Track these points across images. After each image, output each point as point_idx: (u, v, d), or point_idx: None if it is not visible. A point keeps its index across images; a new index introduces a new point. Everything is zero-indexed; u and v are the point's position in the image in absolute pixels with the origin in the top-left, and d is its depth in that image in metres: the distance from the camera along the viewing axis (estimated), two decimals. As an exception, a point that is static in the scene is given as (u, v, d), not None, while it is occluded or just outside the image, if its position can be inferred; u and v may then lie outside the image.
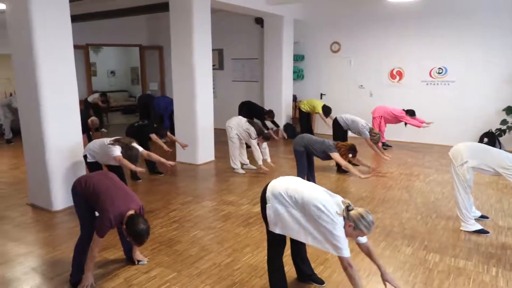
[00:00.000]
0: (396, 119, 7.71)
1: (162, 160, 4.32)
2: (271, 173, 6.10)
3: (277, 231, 2.59)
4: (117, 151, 4.12)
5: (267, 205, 2.58)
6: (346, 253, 2.37)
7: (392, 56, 8.43)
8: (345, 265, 2.38)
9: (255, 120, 6.76)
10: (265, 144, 6.09)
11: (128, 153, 4.11)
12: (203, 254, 3.54)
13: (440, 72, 8.05)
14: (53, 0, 4.29)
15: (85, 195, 2.96)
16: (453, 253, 3.52)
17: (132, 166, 4.15)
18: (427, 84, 8.23)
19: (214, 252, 3.57)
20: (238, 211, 4.60)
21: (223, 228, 4.12)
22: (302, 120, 8.52)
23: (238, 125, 6.16)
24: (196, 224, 4.23)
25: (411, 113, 7.60)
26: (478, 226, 3.94)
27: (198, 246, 3.69)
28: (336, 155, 4.81)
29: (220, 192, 5.29)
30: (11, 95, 9.21)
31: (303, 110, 8.39)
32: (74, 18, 4.60)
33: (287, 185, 2.59)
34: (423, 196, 5.09)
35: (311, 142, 4.96)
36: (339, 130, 6.35)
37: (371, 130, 6.07)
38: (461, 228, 3.99)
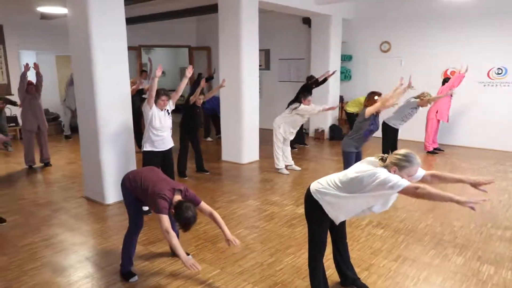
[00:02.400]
0: (448, 101, 7.33)
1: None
2: (316, 174, 6.03)
3: (343, 218, 2.59)
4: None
5: (321, 203, 2.55)
6: (403, 182, 2.22)
7: (445, 56, 8.03)
8: (413, 191, 2.20)
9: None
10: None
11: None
12: (246, 252, 3.57)
13: (499, 72, 7.56)
14: (110, 5, 4.52)
15: (133, 189, 3.07)
16: (510, 266, 3.30)
17: None
18: (485, 85, 7.76)
19: (257, 251, 3.59)
20: (282, 211, 4.59)
21: (267, 228, 4.13)
22: (351, 121, 8.33)
23: (283, 117, 6.09)
24: (240, 222, 4.27)
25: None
26: None
27: (241, 245, 3.72)
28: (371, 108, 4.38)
29: (264, 192, 5.31)
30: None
31: (350, 111, 8.22)
32: (128, 21, 4.82)
33: (326, 178, 2.65)
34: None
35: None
36: (390, 133, 6.04)
37: (418, 97, 5.92)
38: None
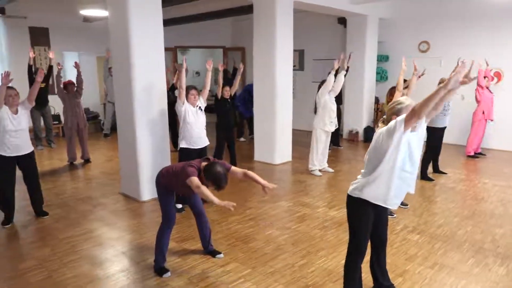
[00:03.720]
0: (491, 100, 7.03)
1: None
2: (349, 176, 5.94)
3: (392, 201, 2.50)
4: None
5: (363, 196, 2.49)
6: (402, 116, 2.32)
7: (488, 56, 7.68)
8: (411, 113, 2.24)
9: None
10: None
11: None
12: (277, 253, 3.56)
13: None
14: (148, 7, 4.65)
15: (167, 182, 3.15)
16: (558, 278, 3.12)
17: None
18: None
19: (289, 253, 3.57)
20: (314, 213, 4.55)
21: (298, 229, 4.11)
22: None
23: (318, 114, 5.99)
24: (271, 223, 4.27)
25: None
26: None
27: (272, 245, 3.72)
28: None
29: (296, 193, 5.28)
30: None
31: None
32: (165, 22, 4.93)
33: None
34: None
35: None
36: (438, 134, 5.75)
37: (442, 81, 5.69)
38: None
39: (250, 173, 3.11)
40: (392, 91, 4.53)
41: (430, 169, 5.97)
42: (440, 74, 8.48)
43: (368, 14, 8.38)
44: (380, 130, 2.45)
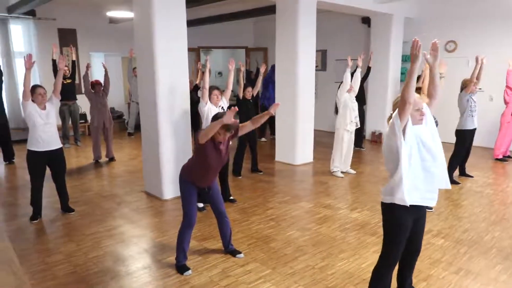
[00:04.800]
0: None
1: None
2: (371, 178, 5.86)
3: (422, 197, 2.46)
4: None
5: (395, 200, 2.41)
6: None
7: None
8: (401, 98, 2.30)
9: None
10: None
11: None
12: (297, 254, 3.55)
13: None
14: (173, 8, 4.71)
15: (188, 173, 3.20)
16: None
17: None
18: None
19: (309, 254, 3.55)
20: (335, 215, 4.51)
21: (319, 231, 4.08)
22: None
23: (340, 114, 5.95)
24: (292, 224, 4.26)
25: None
26: None
27: (293, 246, 3.71)
28: None
29: (317, 194, 5.25)
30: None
31: None
32: (188, 23, 4.99)
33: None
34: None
35: None
36: (468, 136, 5.58)
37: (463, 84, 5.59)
38: None
39: (255, 118, 3.25)
40: (416, 91, 4.42)
41: (456, 172, 5.82)
42: (467, 74, 8.28)
43: (393, 13, 8.23)
44: (387, 131, 2.47)
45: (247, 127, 3.23)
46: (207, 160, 3.12)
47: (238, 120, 3.00)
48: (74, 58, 7.78)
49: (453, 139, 5.70)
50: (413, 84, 2.24)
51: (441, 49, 8.46)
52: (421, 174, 2.40)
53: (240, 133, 3.24)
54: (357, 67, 6.12)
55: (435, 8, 8.43)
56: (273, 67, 8.72)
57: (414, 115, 2.38)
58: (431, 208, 4.56)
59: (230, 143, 3.38)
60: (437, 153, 2.43)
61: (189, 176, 3.22)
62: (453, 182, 5.61)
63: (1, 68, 7.05)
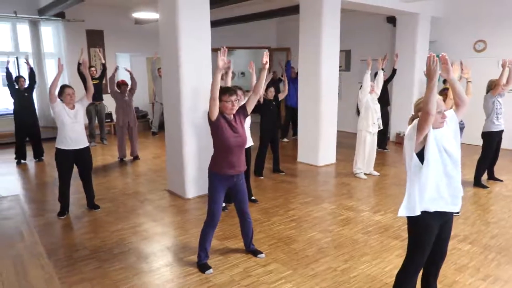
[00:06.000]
0: None
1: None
2: (395, 181, 5.75)
3: (446, 203, 2.40)
4: None
5: (417, 210, 2.35)
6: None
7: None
8: (422, 114, 2.21)
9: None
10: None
11: None
12: (319, 256, 3.52)
13: None
14: (197, 9, 4.77)
15: (213, 164, 3.24)
16: None
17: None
18: None
19: (331, 256, 3.52)
20: (358, 217, 4.45)
21: (341, 233, 4.03)
22: None
23: (361, 116, 5.89)
24: (314, 225, 4.23)
25: None
26: None
27: (314, 248, 3.69)
28: None
29: (340, 196, 5.19)
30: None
31: None
32: (212, 24, 5.03)
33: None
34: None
35: None
36: (497, 137, 5.43)
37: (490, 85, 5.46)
38: None
39: (255, 84, 3.41)
40: (444, 92, 4.31)
41: (485, 175, 5.65)
42: (496, 76, 8.01)
43: (420, 13, 8.06)
44: (405, 135, 2.42)
45: (252, 98, 3.28)
46: (224, 139, 3.13)
47: (231, 60, 3.12)
48: (103, 61, 8.02)
49: (480, 142, 5.53)
50: (434, 98, 2.16)
51: (470, 48, 8.24)
52: (444, 179, 2.35)
53: (248, 108, 3.29)
54: (378, 70, 6.02)
55: (463, 7, 8.20)
56: (288, 63, 8.89)
57: (436, 117, 2.31)
58: (457, 213, 4.43)
59: (247, 123, 3.54)
60: (455, 155, 2.37)
61: (214, 165, 3.23)
62: (481, 186, 5.45)
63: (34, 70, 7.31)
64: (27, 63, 7.00)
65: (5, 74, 6.72)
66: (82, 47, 7.78)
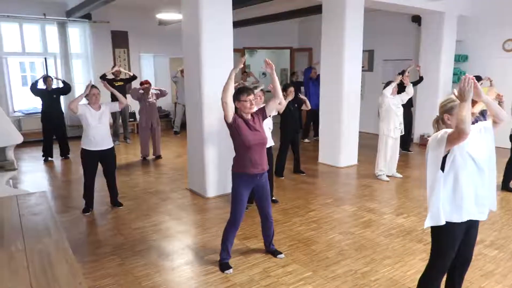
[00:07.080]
0: None
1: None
2: (418, 183, 5.63)
3: (468, 213, 2.35)
4: None
5: (442, 220, 2.30)
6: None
7: None
8: (455, 130, 2.13)
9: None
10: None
11: None
12: (339, 258, 3.48)
13: None
14: (220, 10, 4.80)
15: (236, 164, 3.25)
16: None
17: None
18: None
19: (351, 258, 3.48)
20: (380, 219, 4.38)
21: (362, 235, 3.98)
22: None
23: (381, 117, 5.81)
24: (334, 227, 4.19)
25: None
26: None
27: (335, 250, 3.65)
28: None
29: (361, 198, 5.13)
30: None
31: None
32: (234, 24, 5.05)
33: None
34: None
35: None
36: None
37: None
38: None
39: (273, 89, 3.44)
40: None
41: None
42: (528, 75, 7.70)
43: (446, 11, 7.86)
44: (428, 144, 2.36)
45: (272, 102, 3.34)
46: (243, 138, 3.14)
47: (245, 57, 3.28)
48: (131, 75, 8.44)
49: (508, 144, 5.35)
50: (469, 118, 2.08)
51: (499, 48, 7.99)
52: (469, 187, 2.27)
53: (268, 110, 3.33)
54: (407, 85, 6.02)
55: (491, 5, 7.96)
56: (306, 71, 8.91)
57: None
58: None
59: (269, 124, 3.71)
60: (485, 166, 2.28)
61: (237, 165, 3.24)
62: (509, 189, 5.28)
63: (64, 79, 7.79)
64: (57, 78, 7.60)
65: (31, 85, 7.02)
66: (115, 66, 8.27)
